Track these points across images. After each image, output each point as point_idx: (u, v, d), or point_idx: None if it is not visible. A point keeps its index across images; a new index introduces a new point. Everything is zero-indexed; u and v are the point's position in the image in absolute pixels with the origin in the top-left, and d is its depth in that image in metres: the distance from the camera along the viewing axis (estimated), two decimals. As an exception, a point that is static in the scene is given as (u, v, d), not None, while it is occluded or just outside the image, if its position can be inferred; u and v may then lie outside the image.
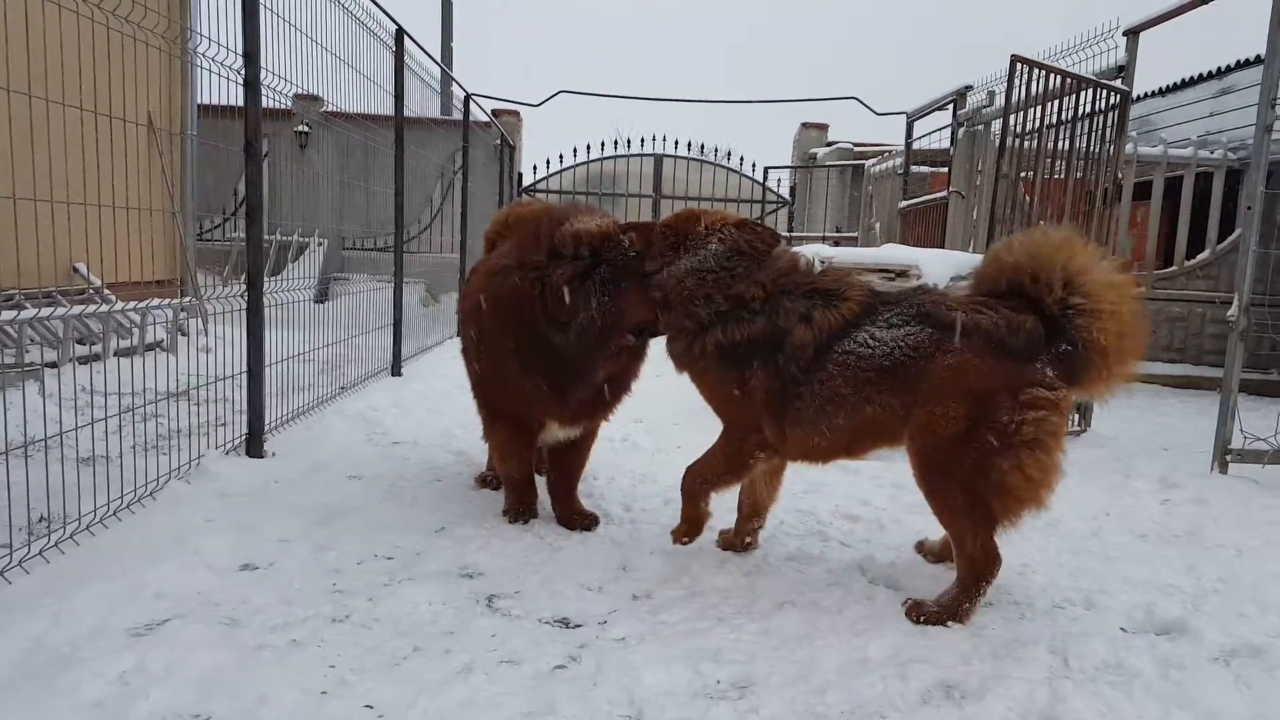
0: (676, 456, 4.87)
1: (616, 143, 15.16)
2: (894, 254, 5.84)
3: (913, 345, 2.90)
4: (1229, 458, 5.01)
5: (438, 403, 5.93)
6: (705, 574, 3.17)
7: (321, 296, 11.84)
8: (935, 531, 3.79)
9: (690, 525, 3.46)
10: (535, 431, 3.63)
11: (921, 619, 2.84)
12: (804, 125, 16.34)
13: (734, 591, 3.04)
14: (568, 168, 15.11)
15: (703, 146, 15.52)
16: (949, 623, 2.83)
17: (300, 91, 6.35)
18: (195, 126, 9.00)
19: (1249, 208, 4.87)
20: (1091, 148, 6.26)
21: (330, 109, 8.48)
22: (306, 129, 12.22)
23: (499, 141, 12.85)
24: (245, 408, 4.44)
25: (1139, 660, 2.63)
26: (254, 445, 4.36)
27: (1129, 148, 8.57)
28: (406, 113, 7.73)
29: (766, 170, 15.62)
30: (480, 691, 2.30)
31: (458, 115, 12.26)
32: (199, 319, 7.81)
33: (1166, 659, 2.65)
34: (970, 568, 2.91)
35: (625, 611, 2.85)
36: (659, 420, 5.77)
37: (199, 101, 9.04)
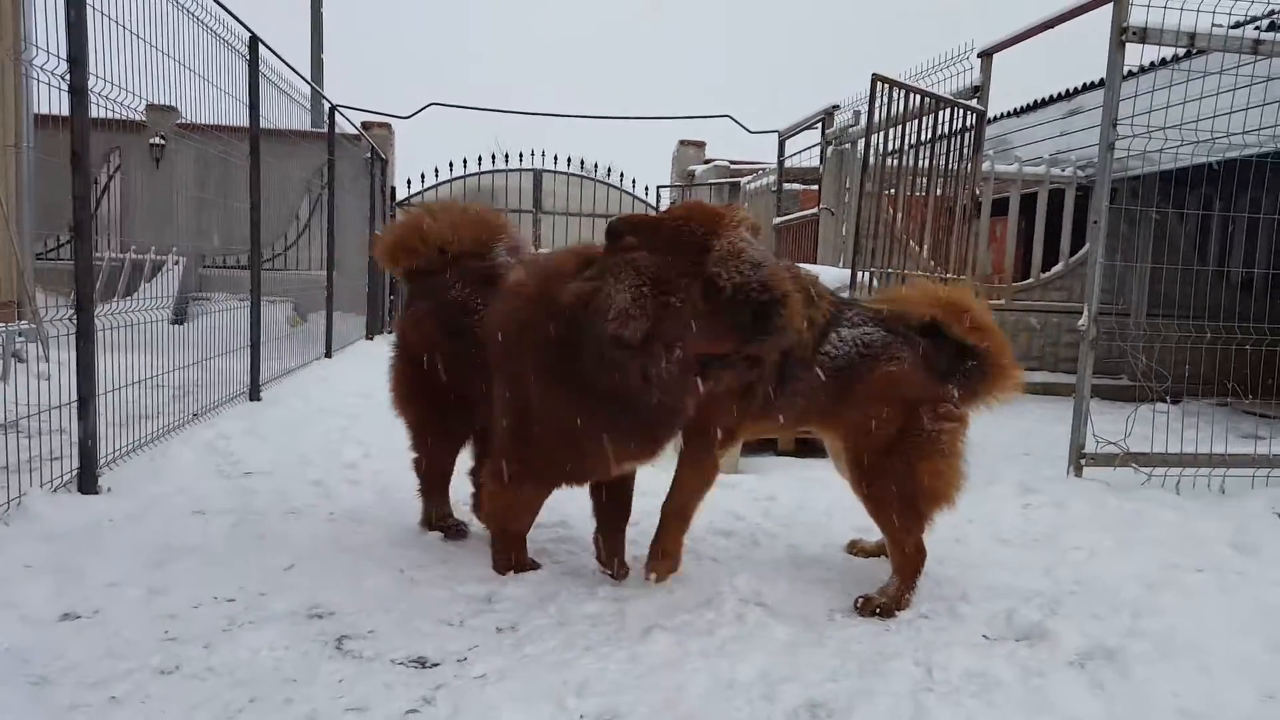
0: None
1: (494, 157, 14.96)
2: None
3: (866, 344, 3.22)
4: (1083, 461, 5.23)
5: (298, 429, 5.62)
6: (574, 601, 3.05)
7: (179, 317, 11.19)
8: (810, 544, 3.81)
9: (675, 560, 3.32)
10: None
11: (872, 612, 3.07)
12: (682, 142, 16.52)
13: (603, 618, 2.93)
14: (444, 181, 14.79)
15: (582, 162, 15.50)
16: (895, 613, 3.07)
17: (153, 102, 6.00)
18: (33, 139, 8.37)
19: (1095, 222, 5.12)
20: (950, 165, 6.50)
21: (184, 120, 8.03)
22: (161, 141, 11.54)
23: (369, 155, 12.46)
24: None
25: (1000, 668, 2.66)
26: (86, 481, 4.00)
27: (986, 165, 8.96)
28: (266, 124, 7.38)
29: (659, 189, 15.71)
30: (322, 744, 2.13)
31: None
32: (38, 344, 7.22)
33: (1026, 665, 2.70)
34: (907, 562, 3.20)
35: (488, 646, 2.70)
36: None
37: (36, 112, 8.43)
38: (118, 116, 4.70)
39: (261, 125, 7.21)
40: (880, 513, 3.23)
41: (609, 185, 15.56)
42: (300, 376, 7.92)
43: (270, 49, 7.08)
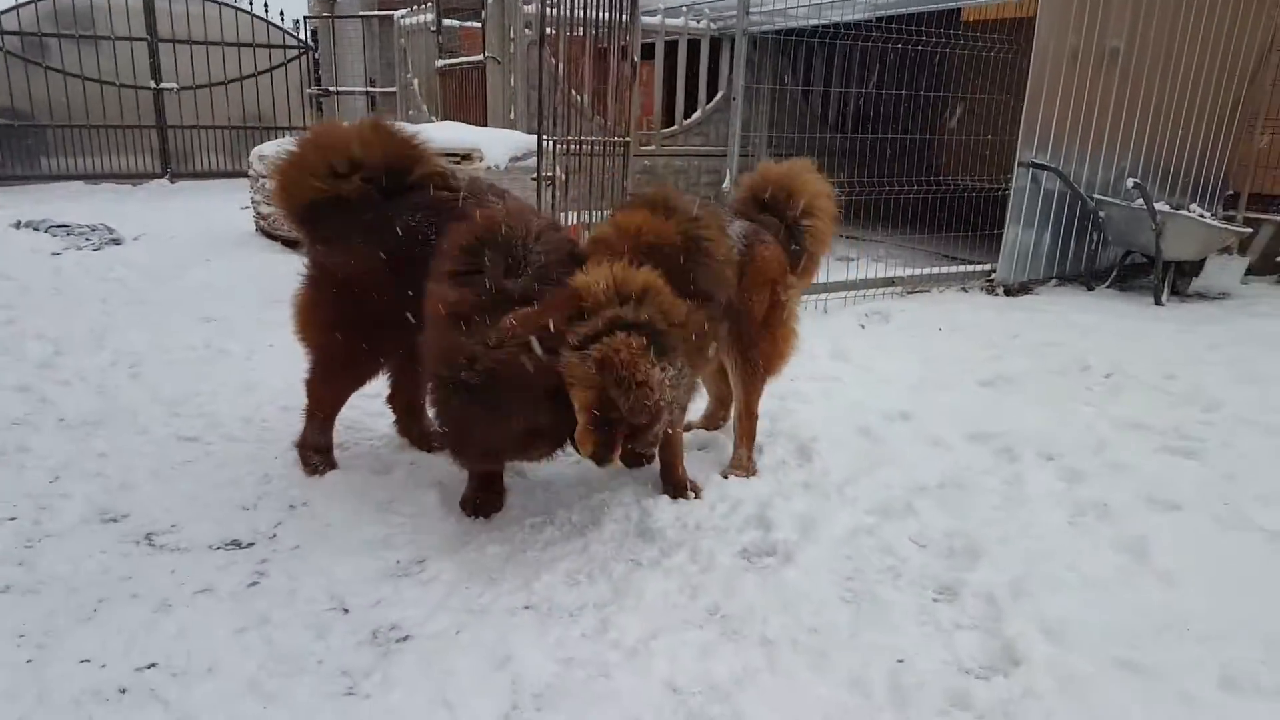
0: (274, 358, 4.89)
1: (91, -26, 12.87)
2: (456, 136, 6.23)
3: (743, 234, 3.50)
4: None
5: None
6: (352, 475, 3.52)
7: None
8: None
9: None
10: None
11: (737, 477, 3.58)
12: (319, -40, 15.27)
13: (384, 485, 3.45)
14: (27, 2, 12.56)
15: (205, -18, 13.84)
16: (753, 476, 3.62)
17: None
18: None
19: (733, 99, 6.08)
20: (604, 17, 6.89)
21: None
22: None
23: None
24: None
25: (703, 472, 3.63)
26: None
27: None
28: None
29: (298, 21, 14.51)
30: (188, 621, 2.54)
31: None
32: None
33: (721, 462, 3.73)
34: (753, 426, 3.73)
35: (290, 522, 3.15)
36: (236, 318, 5.71)
37: None
38: None
39: None
40: (749, 379, 3.64)
41: (236, 9, 14.14)
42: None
43: None
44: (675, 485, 3.44)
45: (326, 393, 3.55)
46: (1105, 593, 2.85)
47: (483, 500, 3.22)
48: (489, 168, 5.66)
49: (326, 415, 3.60)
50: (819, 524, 3.22)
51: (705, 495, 3.42)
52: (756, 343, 3.62)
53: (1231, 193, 8.56)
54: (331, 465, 3.59)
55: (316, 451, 3.58)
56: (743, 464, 3.70)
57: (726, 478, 3.62)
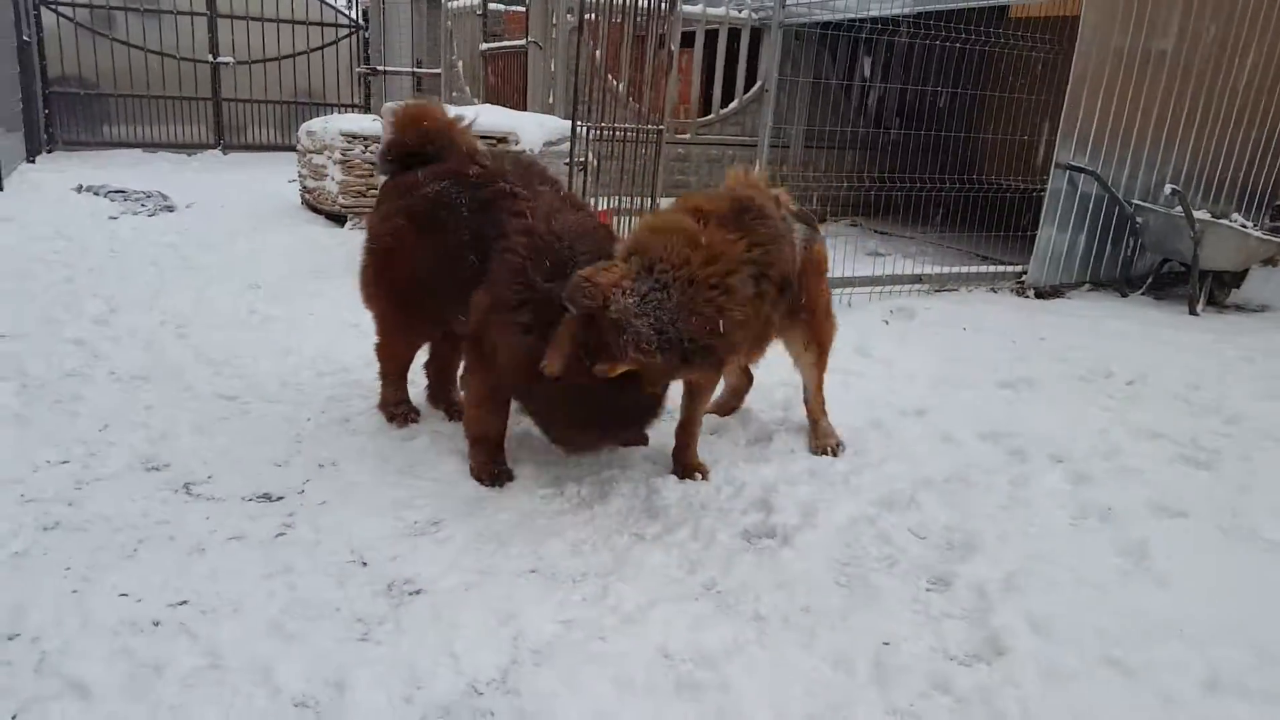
0: (312, 326, 5.13)
1: (156, -50, 13.22)
2: (492, 120, 6.37)
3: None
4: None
5: (21, 282, 5.43)
6: (378, 440, 3.71)
7: None
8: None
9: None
10: None
11: (830, 453, 3.84)
12: (372, -58, 15.51)
13: (407, 451, 3.63)
14: (97, -22, 12.93)
15: (265, -40, 14.13)
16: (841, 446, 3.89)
17: None
18: None
19: (766, 90, 6.16)
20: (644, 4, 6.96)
21: None
22: None
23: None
24: None
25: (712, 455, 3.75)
26: None
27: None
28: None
29: (350, 0, 14.78)
30: (219, 565, 2.74)
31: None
32: None
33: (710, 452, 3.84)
34: (823, 399, 3.97)
35: (318, 480, 3.34)
36: (279, 287, 5.92)
37: None
38: None
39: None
40: (817, 364, 3.91)
41: (295, -13, 14.40)
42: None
43: None
44: (685, 467, 3.57)
45: (392, 352, 3.86)
46: (1098, 593, 2.90)
47: (497, 471, 3.41)
48: (524, 150, 5.79)
49: (398, 374, 3.92)
50: (821, 511, 3.32)
51: (712, 478, 3.55)
52: (823, 331, 3.87)
53: (1280, 203, 8.42)
54: (414, 411, 3.92)
55: (396, 405, 3.90)
56: (829, 433, 3.95)
57: (827, 453, 3.84)
